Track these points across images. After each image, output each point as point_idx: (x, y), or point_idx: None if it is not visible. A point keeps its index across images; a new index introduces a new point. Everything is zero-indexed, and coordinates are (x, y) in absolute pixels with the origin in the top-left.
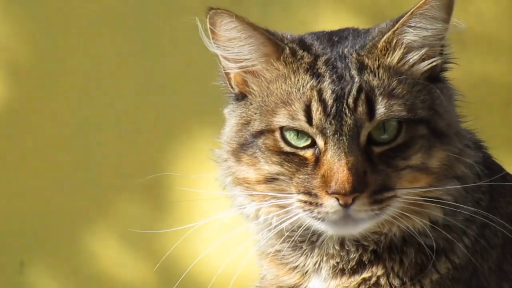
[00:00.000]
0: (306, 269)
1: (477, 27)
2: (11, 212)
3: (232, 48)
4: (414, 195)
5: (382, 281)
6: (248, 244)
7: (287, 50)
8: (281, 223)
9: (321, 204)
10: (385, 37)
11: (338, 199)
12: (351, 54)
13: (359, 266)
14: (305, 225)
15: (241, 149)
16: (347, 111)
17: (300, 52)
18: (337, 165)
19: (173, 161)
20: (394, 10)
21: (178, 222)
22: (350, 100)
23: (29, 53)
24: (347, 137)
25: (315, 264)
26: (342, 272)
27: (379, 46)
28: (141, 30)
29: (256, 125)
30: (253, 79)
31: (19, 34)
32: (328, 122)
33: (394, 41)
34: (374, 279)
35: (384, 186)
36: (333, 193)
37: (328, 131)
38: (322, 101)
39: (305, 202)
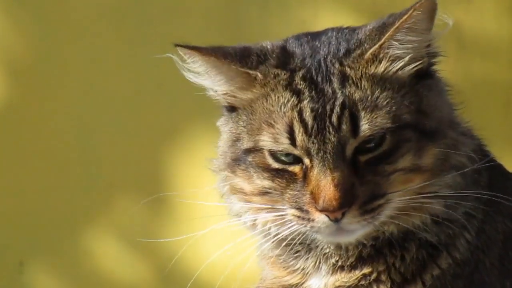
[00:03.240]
0: (307, 271)
1: (477, 27)
2: (11, 212)
3: (205, 80)
4: (410, 195)
5: (383, 276)
6: (250, 251)
7: (259, 75)
8: (278, 232)
9: (312, 220)
10: (372, 49)
11: (328, 215)
12: (333, 64)
13: (359, 262)
14: (303, 234)
15: (234, 163)
16: (330, 129)
17: (273, 71)
18: (323, 182)
19: (173, 160)
20: (394, 9)
21: (178, 221)
22: (334, 118)
23: (28, 52)
24: (331, 154)
25: (314, 265)
26: (342, 268)
27: (365, 57)
28: (141, 30)
29: (245, 143)
30: (234, 99)
31: (19, 34)
32: (311, 142)
33: (381, 54)
34: (375, 274)
35: (373, 195)
36: (322, 210)
37: (312, 150)
38: (302, 121)
39: (298, 216)
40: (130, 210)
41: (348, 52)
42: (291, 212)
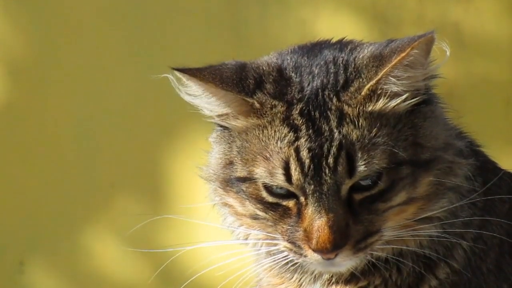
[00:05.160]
0: (302, 283)
1: (477, 27)
2: (11, 211)
3: (201, 102)
4: (404, 225)
5: None
6: (248, 262)
7: (256, 104)
8: (269, 253)
9: (305, 255)
10: (369, 85)
11: (321, 255)
12: (331, 99)
13: (353, 277)
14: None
15: (227, 184)
16: (327, 171)
17: (270, 101)
18: (317, 223)
19: (173, 161)
20: (394, 9)
21: (177, 221)
22: (330, 160)
23: (28, 52)
24: (327, 195)
25: (309, 280)
26: (337, 282)
27: (362, 93)
28: (141, 30)
29: (239, 171)
30: (229, 124)
31: (19, 33)
32: (307, 182)
33: (379, 90)
34: (371, 287)
35: (367, 233)
36: (315, 250)
37: (307, 190)
38: (299, 160)
39: (290, 249)
40: (129, 210)
41: (345, 84)
42: (283, 244)
